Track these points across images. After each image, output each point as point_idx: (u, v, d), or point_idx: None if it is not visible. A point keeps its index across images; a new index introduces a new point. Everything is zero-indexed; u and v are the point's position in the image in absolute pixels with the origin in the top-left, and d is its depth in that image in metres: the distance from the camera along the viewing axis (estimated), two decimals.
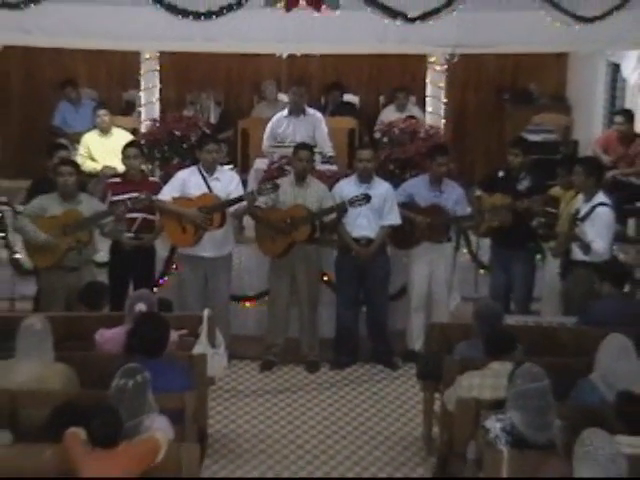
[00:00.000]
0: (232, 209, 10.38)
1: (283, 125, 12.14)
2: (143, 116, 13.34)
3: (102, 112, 13.17)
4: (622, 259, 10.41)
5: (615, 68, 13.87)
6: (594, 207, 9.66)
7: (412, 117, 13.63)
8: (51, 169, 10.27)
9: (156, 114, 13.21)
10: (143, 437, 6.46)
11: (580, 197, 9.90)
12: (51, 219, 9.69)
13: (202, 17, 11.58)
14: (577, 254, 9.69)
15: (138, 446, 6.38)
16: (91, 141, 13.02)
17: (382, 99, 15.28)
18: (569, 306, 9.69)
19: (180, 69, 14.62)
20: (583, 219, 9.64)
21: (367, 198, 10.19)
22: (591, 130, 14.27)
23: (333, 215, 10.35)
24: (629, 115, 12.72)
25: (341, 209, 10.30)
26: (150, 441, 6.43)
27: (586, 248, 9.56)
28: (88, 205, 9.95)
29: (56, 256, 9.73)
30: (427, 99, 13.42)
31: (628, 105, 13.30)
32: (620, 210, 10.65)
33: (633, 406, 6.53)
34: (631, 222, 12.22)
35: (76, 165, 10.27)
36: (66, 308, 9.69)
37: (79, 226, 9.75)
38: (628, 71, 13.18)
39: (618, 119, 12.81)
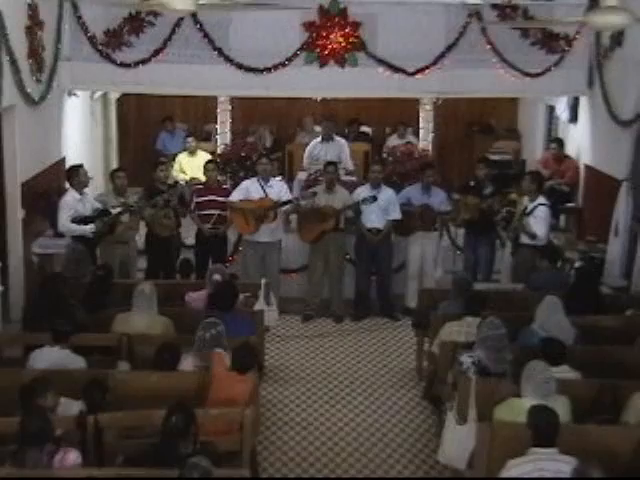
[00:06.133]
0: (283, 209, 10.42)
1: (318, 148, 12.03)
2: (219, 142, 13.36)
3: (190, 139, 13.30)
4: (556, 243, 10.36)
5: (551, 109, 13.76)
6: (536, 206, 9.64)
7: (409, 143, 13.60)
8: (156, 179, 10.34)
9: (228, 140, 13.21)
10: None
11: (526, 198, 9.88)
12: None
13: (260, 72, 11.58)
14: (524, 239, 9.68)
15: (253, 378, 6.53)
16: (182, 160, 13.09)
17: (388, 130, 15.19)
18: (518, 276, 9.67)
19: (245, 108, 14.57)
20: (528, 214, 9.64)
21: (374, 198, 10.20)
22: (534, 152, 14.16)
23: (351, 212, 10.36)
24: (561, 142, 12.64)
25: (356, 206, 10.31)
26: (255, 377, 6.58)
27: (531, 235, 9.56)
28: None
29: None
30: (420, 130, 13.36)
31: (560, 135, 13.19)
32: (554, 209, 10.64)
33: (550, 347, 6.58)
34: (562, 217, 12.16)
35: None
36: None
37: None
38: (560, 111, 13.09)
39: (553, 145, 12.74)
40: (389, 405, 8.32)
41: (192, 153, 13.08)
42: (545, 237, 9.63)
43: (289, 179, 12.36)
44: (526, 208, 9.70)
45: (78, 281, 8.31)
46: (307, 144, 12.37)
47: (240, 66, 11.54)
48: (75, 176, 9.76)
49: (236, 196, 10.32)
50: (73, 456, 5.19)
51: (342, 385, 8.77)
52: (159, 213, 10.01)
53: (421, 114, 13.27)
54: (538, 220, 9.57)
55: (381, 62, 11.60)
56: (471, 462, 6.12)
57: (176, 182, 11.94)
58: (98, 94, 13.31)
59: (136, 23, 11.36)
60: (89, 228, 9.46)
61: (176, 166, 13.01)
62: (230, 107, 13.34)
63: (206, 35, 11.43)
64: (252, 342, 7.31)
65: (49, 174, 10.65)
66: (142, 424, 5.96)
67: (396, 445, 7.55)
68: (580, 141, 12.30)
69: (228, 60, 11.52)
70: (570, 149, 12.61)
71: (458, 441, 6.36)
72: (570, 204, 12.12)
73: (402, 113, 14.45)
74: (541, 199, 9.72)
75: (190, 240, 10.80)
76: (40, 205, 10.16)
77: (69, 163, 11.02)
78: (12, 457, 5.09)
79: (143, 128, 15.25)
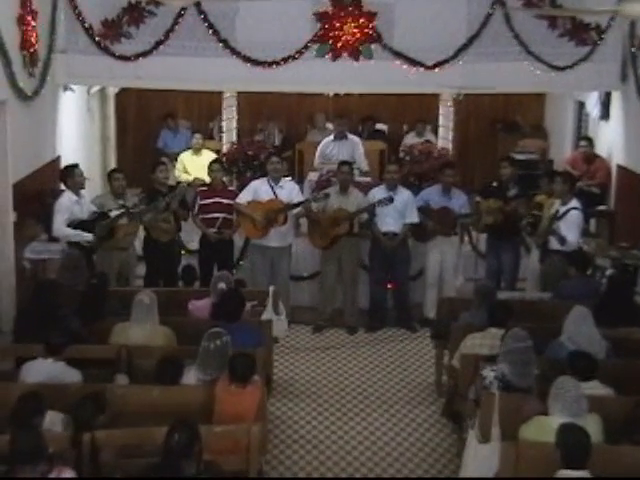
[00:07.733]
0: (293, 212, 10.42)
1: (330, 147, 12.08)
2: (224, 140, 13.39)
3: (197, 136, 13.33)
4: (585, 249, 10.33)
5: (580, 105, 13.75)
6: (569, 210, 9.62)
7: (428, 141, 13.65)
8: (155, 180, 10.33)
9: (234, 138, 13.25)
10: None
11: (557, 201, 9.85)
12: None
13: (269, 66, 11.58)
14: (553, 244, 9.66)
15: (258, 391, 6.49)
16: (186, 159, 13.11)
17: (405, 127, 15.21)
18: (546, 285, 9.63)
19: (252, 104, 14.63)
20: (559, 218, 9.61)
21: (390, 199, 10.18)
22: (562, 152, 14.14)
23: (366, 215, 10.36)
24: (591, 140, 12.62)
25: (371, 208, 10.30)
26: (260, 390, 6.53)
27: (562, 240, 9.53)
28: None
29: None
30: (439, 128, 13.38)
31: (590, 133, 13.17)
32: (584, 212, 10.62)
33: (580, 361, 6.55)
34: (592, 222, 12.13)
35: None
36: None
37: None
38: (590, 107, 13.07)
39: (582, 143, 12.72)
40: (406, 422, 8.29)
41: (197, 152, 13.09)
42: (576, 243, 9.61)
43: (299, 180, 12.38)
44: (557, 212, 9.67)
45: (73, 289, 8.31)
46: (319, 142, 12.41)
47: (247, 59, 11.54)
48: (70, 177, 9.79)
49: (244, 197, 10.34)
50: (68, 475, 5.17)
51: (355, 401, 8.75)
52: (158, 217, 10.01)
53: (441, 110, 13.30)
54: (570, 225, 9.56)
55: (398, 55, 11.57)
56: None
57: (178, 183, 11.97)
58: (95, 89, 13.34)
59: (136, 13, 11.37)
60: (87, 237, 9.47)
61: (179, 166, 13.04)
62: (236, 103, 13.38)
63: (211, 26, 11.43)
64: (259, 354, 7.32)
65: (43, 174, 10.67)
66: (142, 442, 5.93)
67: (414, 465, 7.52)
68: (612, 139, 12.26)
69: (234, 53, 11.52)
70: (601, 148, 12.58)
71: (480, 462, 6.33)
72: (601, 207, 12.09)
73: (420, 109, 14.49)
74: (574, 202, 9.70)
75: (194, 245, 10.81)
76: (33, 207, 10.17)
77: (64, 162, 11.05)
78: (3, 477, 5.07)
79: (143, 125, 15.31)
